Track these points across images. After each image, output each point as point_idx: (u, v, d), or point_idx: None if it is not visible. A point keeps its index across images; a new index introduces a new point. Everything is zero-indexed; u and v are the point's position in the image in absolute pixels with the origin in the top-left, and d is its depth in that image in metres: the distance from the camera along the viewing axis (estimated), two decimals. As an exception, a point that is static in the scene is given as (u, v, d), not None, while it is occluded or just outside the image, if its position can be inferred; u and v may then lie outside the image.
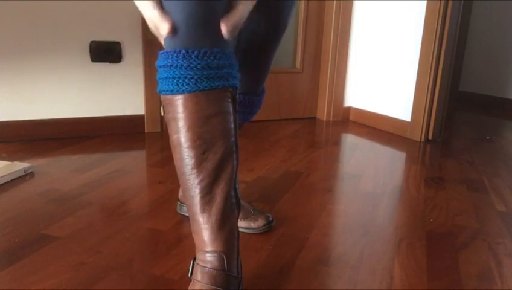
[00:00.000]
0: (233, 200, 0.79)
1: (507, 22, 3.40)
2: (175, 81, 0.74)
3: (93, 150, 1.79)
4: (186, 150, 0.75)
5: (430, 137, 2.19)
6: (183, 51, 0.73)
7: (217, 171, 0.76)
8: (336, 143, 2.11)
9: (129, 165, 1.62)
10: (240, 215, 1.14)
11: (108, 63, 1.99)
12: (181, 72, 0.74)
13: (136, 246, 1.04)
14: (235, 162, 0.79)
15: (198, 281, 0.75)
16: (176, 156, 0.77)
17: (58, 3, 1.84)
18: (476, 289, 0.94)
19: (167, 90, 0.75)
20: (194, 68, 0.74)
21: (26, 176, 1.46)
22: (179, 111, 0.74)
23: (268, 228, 1.14)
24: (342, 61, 2.55)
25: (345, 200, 1.40)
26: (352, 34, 2.55)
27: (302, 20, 2.48)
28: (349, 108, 2.65)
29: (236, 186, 0.81)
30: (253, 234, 1.12)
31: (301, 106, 2.62)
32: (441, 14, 2.02)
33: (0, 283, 0.88)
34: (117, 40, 1.98)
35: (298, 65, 2.55)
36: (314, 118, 2.67)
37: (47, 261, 0.96)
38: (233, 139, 0.78)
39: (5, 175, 1.40)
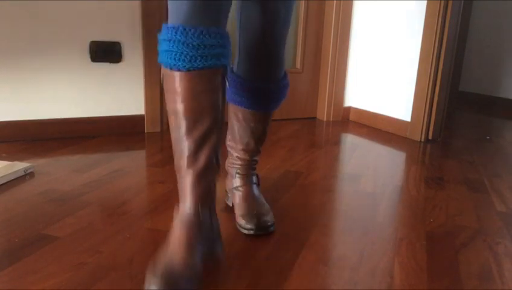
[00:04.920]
0: (214, 162, 0.92)
1: (507, 22, 3.40)
2: (172, 55, 0.85)
3: (93, 150, 1.79)
4: (179, 119, 0.88)
5: (430, 137, 2.19)
6: (181, 28, 0.84)
7: (203, 139, 0.89)
8: (336, 143, 2.11)
9: (129, 165, 1.62)
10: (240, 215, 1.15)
11: (108, 63, 1.99)
12: (178, 47, 0.84)
13: (136, 246, 1.04)
14: (219, 131, 0.92)
15: (177, 227, 0.89)
16: (171, 122, 0.91)
17: (58, 3, 1.84)
18: (476, 289, 0.94)
19: (166, 63, 0.87)
20: (190, 45, 0.84)
21: (26, 176, 1.46)
22: (176, 86, 0.87)
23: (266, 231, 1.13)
24: (342, 61, 2.55)
25: (345, 200, 1.40)
26: (352, 34, 2.55)
27: (302, 20, 2.48)
28: (349, 108, 2.65)
29: (218, 152, 0.93)
30: (253, 234, 1.12)
31: (301, 106, 2.62)
32: (441, 14, 2.02)
33: (0, 283, 0.88)
34: (117, 40, 1.98)
35: (298, 65, 2.55)
36: (314, 118, 2.67)
37: (47, 261, 0.96)
38: (219, 113, 0.91)
39: (5, 175, 1.40)
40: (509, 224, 1.27)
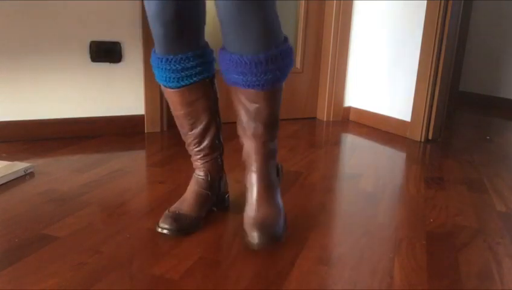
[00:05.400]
0: (216, 143, 1.18)
1: (507, 22, 3.40)
2: (163, 78, 1.08)
3: (93, 150, 1.79)
4: (182, 120, 1.14)
5: (430, 137, 2.19)
6: (164, 59, 1.04)
7: (203, 133, 1.14)
8: (336, 143, 2.11)
9: (129, 165, 1.62)
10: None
11: (108, 63, 1.99)
12: (166, 74, 1.06)
13: (136, 246, 1.04)
14: (216, 125, 1.15)
15: (191, 185, 1.19)
16: (176, 122, 1.16)
17: (58, 3, 1.84)
18: (476, 289, 0.94)
19: (159, 82, 1.11)
20: (175, 70, 1.05)
21: (26, 176, 1.46)
22: (172, 98, 1.12)
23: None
24: (342, 61, 2.55)
25: (345, 200, 1.40)
26: (352, 34, 2.54)
27: (302, 20, 2.48)
28: (349, 108, 2.65)
29: (220, 136, 1.19)
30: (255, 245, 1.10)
31: (301, 106, 2.62)
32: (441, 14, 2.02)
33: (0, 283, 0.88)
34: (117, 40, 1.98)
35: (298, 65, 2.55)
36: (314, 118, 2.67)
37: (47, 261, 0.96)
38: (213, 112, 1.13)
39: (5, 175, 1.40)
40: (509, 224, 1.27)
